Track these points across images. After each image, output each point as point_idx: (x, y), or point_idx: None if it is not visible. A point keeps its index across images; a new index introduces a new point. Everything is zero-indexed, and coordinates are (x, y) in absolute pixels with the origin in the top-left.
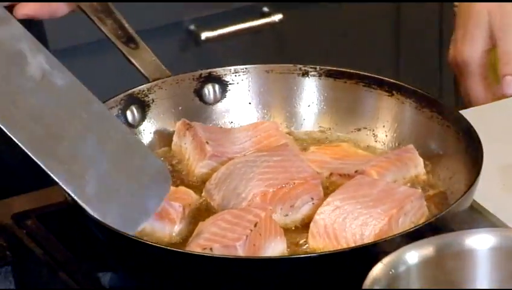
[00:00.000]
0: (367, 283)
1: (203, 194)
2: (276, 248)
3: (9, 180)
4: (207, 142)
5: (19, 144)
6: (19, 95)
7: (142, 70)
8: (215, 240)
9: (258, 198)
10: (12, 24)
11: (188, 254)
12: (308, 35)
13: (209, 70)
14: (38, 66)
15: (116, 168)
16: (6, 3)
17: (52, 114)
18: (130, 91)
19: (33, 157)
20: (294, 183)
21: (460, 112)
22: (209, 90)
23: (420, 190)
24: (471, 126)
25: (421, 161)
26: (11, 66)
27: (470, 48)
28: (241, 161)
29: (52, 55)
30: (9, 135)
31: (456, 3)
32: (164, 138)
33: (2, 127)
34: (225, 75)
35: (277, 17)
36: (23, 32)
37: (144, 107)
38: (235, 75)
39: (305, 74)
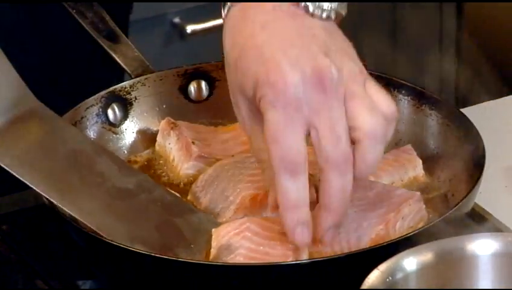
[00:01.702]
0: None
1: (188, 197)
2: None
3: None
4: (193, 142)
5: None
6: (92, 192)
7: (124, 66)
8: (258, 258)
9: (247, 201)
10: (71, 129)
11: (187, 262)
12: None
13: (195, 65)
14: (105, 164)
15: None
16: None
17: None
18: (111, 88)
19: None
20: None
21: (462, 110)
22: (195, 87)
23: (419, 193)
24: (473, 125)
25: (419, 161)
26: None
27: None
28: (229, 162)
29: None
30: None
31: None
32: (147, 137)
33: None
34: (212, 70)
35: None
36: (84, 135)
37: (126, 105)
38: (223, 71)
39: None
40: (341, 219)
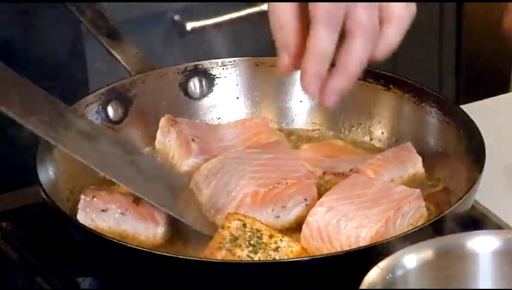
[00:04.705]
0: (362, 288)
1: (190, 185)
2: None
3: None
4: (192, 140)
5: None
6: None
7: (124, 63)
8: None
9: (248, 198)
10: None
11: (184, 259)
12: None
13: (194, 63)
14: None
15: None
16: None
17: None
18: (111, 85)
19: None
20: (287, 184)
21: (462, 106)
22: (195, 85)
23: (419, 190)
24: (473, 122)
25: (419, 159)
26: None
27: None
28: (233, 156)
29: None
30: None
31: None
32: (147, 135)
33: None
34: (212, 68)
35: (267, 6)
36: None
37: (126, 103)
38: (223, 68)
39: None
40: (350, 85)
